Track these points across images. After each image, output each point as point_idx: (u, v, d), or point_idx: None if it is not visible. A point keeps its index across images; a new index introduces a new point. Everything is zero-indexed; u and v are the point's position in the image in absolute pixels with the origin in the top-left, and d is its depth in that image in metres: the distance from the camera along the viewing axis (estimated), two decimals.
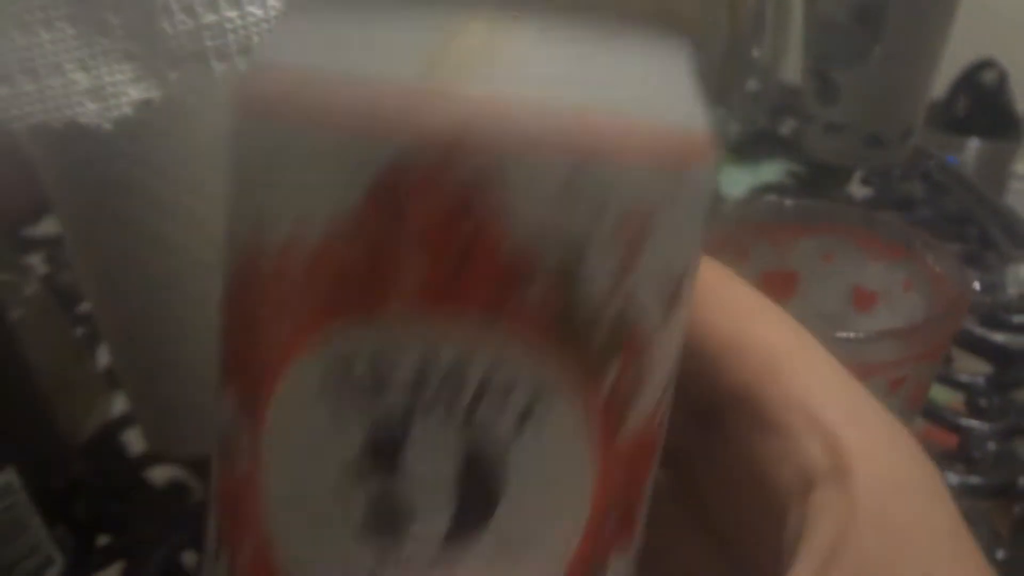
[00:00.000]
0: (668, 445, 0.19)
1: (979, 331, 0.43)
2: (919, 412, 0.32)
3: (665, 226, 0.13)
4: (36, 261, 0.56)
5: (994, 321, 0.43)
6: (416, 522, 0.13)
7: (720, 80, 0.51)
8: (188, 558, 0.36)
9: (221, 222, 0.15)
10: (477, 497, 0.13)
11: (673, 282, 0.14)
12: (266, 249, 0.13)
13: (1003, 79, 1.48)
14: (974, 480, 0.37)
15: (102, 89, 0.26)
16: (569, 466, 0.14)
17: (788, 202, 0.37)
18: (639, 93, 0.13)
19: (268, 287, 0.13)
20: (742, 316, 0.18)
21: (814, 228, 0.35)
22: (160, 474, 0.41)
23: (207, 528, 0.16)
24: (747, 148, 0.62)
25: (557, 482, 0.14)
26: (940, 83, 0.72)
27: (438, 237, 0.12)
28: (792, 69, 0.68)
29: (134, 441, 0.42)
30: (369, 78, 0.12)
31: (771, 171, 0.61)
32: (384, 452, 0.13)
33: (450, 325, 0.12)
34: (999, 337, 0.43)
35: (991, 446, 0.39)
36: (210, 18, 0.27)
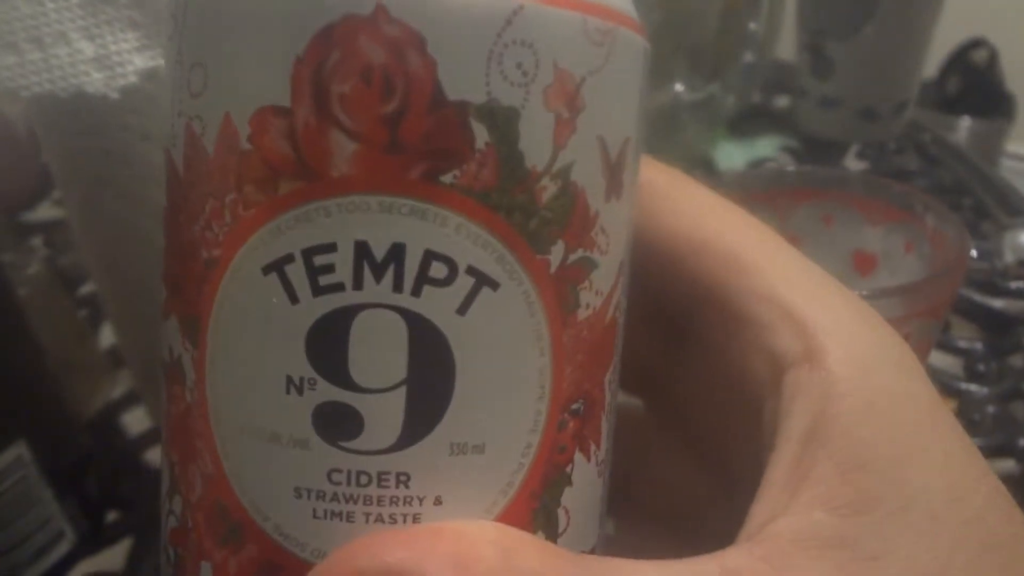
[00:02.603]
0: (640, 364, 0.19)
1: (977, 297, 0.43)
2: None
3: (599, 90, 0.13)
4: (35, 245, 0.56)
5: (991, 288, 0.44)
6: (363, 433, 0.13)
7: (715, 53, 0.52)
8: None
9: None
10: (427, 396, 0.13)
11: (615, 151, 0.14)
12: (200, 145, 0.13)
13: (994, 58, 1.49)
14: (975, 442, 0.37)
15: (108, 58, 0.26)
16: (523, 344, 0.13)
17: (788, 168, 0.37)
18: None
19: (198, 188, 0.13)
20: (701, 216, 0.17)
21: (814, 193, 0.35)
22: None
23: (161, 470, 0.15)
24: (742, 123, 0.62)
25: (513, 360, 0.13)
26: (931, 63, 0.72)
27: (366, 106, 0.12)
28: (785, 45, 0.68)
29: (138, 421, 0.42)
30: None
31: (766, 146, 0.62)
32: (329, 356, 0.12)
33: (384, 205, 0.12)
34: (996, 303, 0.43)
35: (990, 409, 0.39)
36: None
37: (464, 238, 0.12)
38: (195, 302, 0.13)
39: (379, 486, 0.13)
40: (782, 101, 0.70)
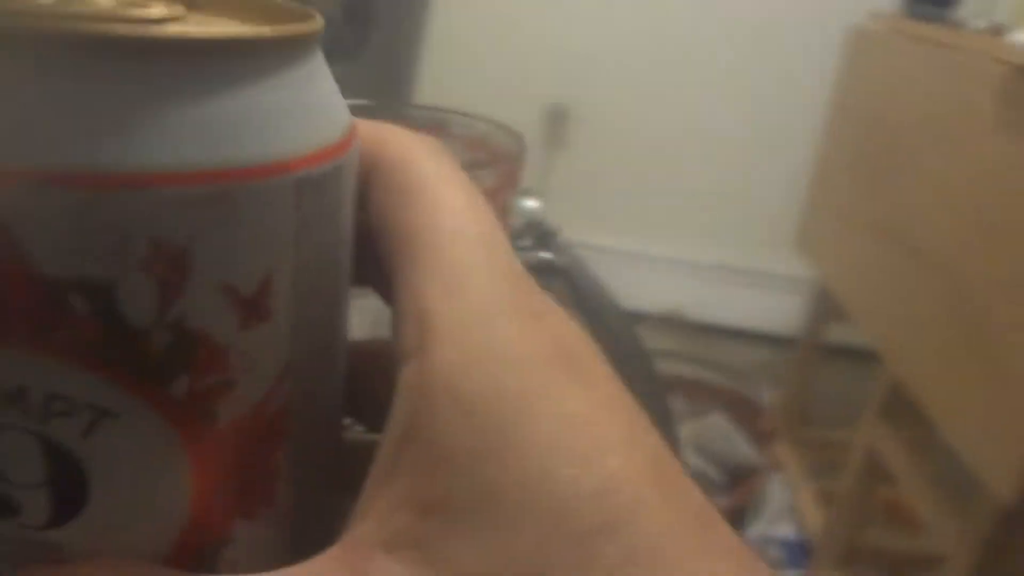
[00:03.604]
0: None
1: None
2: None
3: (214, 246, 0.14)
4: None
5: None
6: (22, 513, 0.15)
7: None
8: None
9: None
10: (69, 493, 0.15)
11: (250, 288, 0.15)
12: None
13: None
14: None
15: None
16: (152, 460, 0.15)
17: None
18: (156, 136, 0.13)
19: None
20: (394, 190, 0.17)
21: None
22: None
23: None
24: None
25: (142, 474, 0.15)
26: None
27: None
28: None
29: None
30: None
31: None
32: None
33: (6, 355, 0.14)
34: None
35: None
36: None
37: (81, 382, 0.14)
38: None
39: (42, 551, 0.15)
40: None
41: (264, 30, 0.15)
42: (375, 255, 0.17)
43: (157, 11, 0.15)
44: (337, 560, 0.14)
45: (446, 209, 0.17)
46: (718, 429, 1.16)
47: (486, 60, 1.73)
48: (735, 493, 1.09)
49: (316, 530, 0.18)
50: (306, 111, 0.15)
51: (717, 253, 1.83)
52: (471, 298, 0.15)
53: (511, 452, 0.14)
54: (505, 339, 0.15)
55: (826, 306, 1.35)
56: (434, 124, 0.35)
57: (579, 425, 0.14)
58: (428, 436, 0.14)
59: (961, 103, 0.96)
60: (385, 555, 0.14)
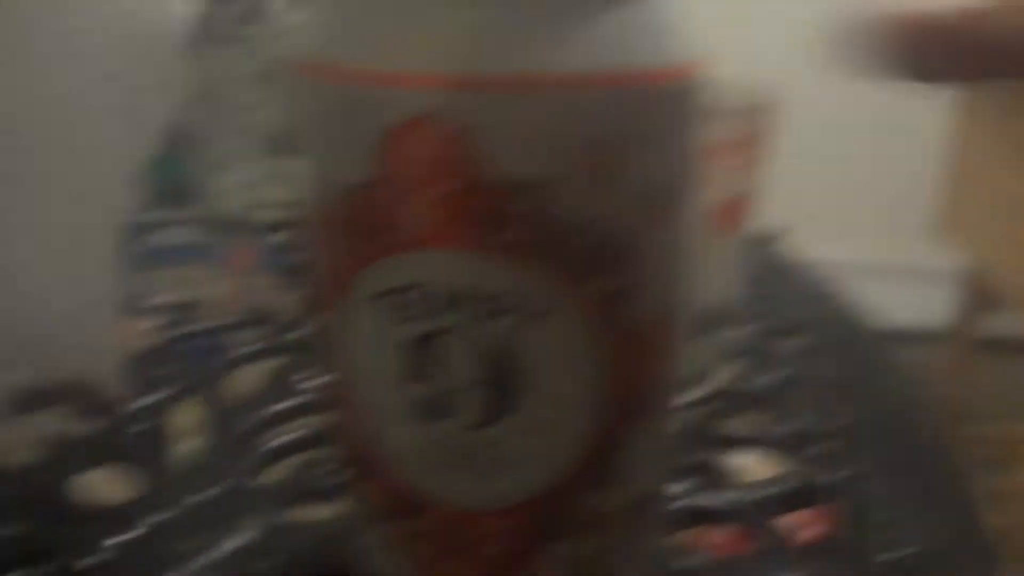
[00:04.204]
0: None
1: None
2: None
3: (636, 152, 0.15)
4: None
5: None
6: (458, 415, 0.16)
7: None
8: None
9: None
10: (502, 392, 0.16)
11: (658, 196, 0.16)
12: (321, 205, 0.16)
13: None
14: None
15: None
16: (576, 358, 0.16)
17: None
18: (593, 42, 0.15)
19: (325, 233, 0.17)
20: None
21: None
22: None
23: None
24: None
25: (568, 371, 0.16)
26: None
27: (430, 186, 0.15)
28: None
29: None
30: (373, 64, 0.15)
31: None
32: (418, 364, 0.16)
33: (455, 258, 0.15)
34: None
35: None
36: None
37: (517, 282, 0.15)
38: (331, 311, 0.17)
39: (474, 450, 0.16)
40: None
41: None
42: None
43: None
44: None
45: None
46: None
47: None
48: None
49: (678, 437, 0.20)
50: (685, 26, 0.17)
51: (849, 250, 1.76)
52: None
53: None
54: None
55: (978, 296, 1.28)
56: None
57: None
58: None
59: None
60: None
